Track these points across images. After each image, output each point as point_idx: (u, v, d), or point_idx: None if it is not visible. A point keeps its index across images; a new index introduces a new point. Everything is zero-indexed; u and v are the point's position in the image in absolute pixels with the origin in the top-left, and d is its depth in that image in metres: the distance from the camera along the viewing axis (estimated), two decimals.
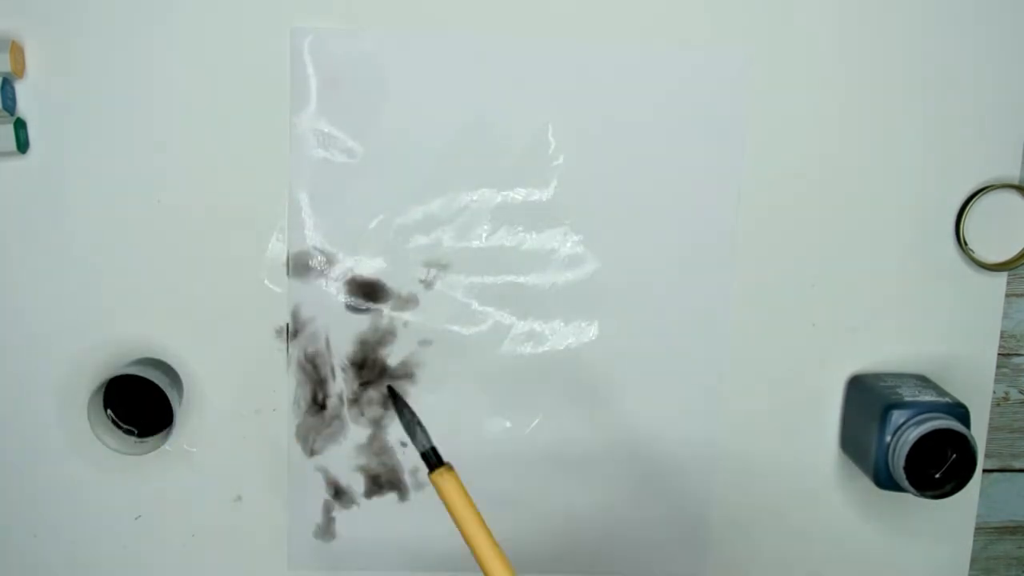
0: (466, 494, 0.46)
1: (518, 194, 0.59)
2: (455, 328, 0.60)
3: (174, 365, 0.59)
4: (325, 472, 0.61)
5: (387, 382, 0.53)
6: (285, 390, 0.60)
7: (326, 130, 0.57)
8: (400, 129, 0.58)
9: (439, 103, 0.58)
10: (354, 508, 0.62)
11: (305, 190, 0.58)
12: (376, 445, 0.61)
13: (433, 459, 0.46)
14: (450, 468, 0.47)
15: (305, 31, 0.56)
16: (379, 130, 0.58)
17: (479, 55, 0.57)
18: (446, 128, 0.58)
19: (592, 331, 0.61)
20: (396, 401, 0.48)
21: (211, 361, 0.60)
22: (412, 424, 0.47)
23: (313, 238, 0.58)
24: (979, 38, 0.59)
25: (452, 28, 0.57)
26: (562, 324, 0.61)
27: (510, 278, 0.60)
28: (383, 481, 0.62)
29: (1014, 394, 0.64)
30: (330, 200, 0.58)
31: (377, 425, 0.61)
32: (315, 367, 0.60)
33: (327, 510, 0.62)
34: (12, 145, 0.55)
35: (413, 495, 0.62)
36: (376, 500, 0.62)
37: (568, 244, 0.60)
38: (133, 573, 0.62)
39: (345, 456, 0.61)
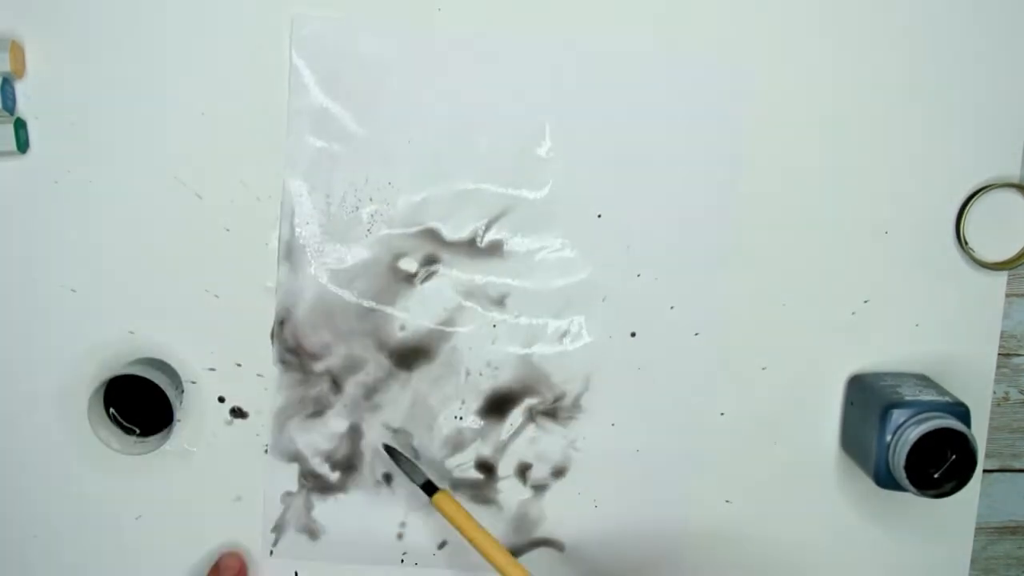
0: (463, 509, 0.57)
1: (513, 193, 0.59)
2: (443, 327, 0.60)
3: (174, 365, 0.59)
4: (305, 464, 0.61)
5: (382, 441, 0.60)
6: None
7: (323, 121, 0.57)
8: (397, 122, 0.58)
9: (437, 98, 0.57)
10: (340, 499, 0.61)
11: (301, 181, 0.58)
12: (359, 437, 0.61)
13: (431, 488, 0.57)
14: (446, 491, 0.57)
15: (305, 19, 0.56)
16: (376, 123, 0.57)
17: (478, 51, 0.57)
18: (443, 123, 0.58)
19: (585, 333, 0.61)
20: (393, 456, 0.59)
21: (211, 361, 0.60)
22: (409, 467, 0.58)
23: (306, 233, 0.58)
24: (979, 38, 0.59)
25: (453, 23, 0.57)
26: (553, 325, 0.61)
27: (502, 278, 0.60)
28: (365, 473, 0.61)
29: (1014, 394, 0.64)
30: (325, 193, 0.58)
31: (360, 417, 0.61)
32: (301, 359, 0.60)
33: (307, 502, 0.62)
34: (12, 145, 0.55)
35: (395, 487, 0.62)
36: (359, 492, 0.62)
37: (562, 245, 0.60)
38: (133, 573, 0.62)
39: (328, 447, 0.61)
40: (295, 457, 0.61)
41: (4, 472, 0.60)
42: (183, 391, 0.59)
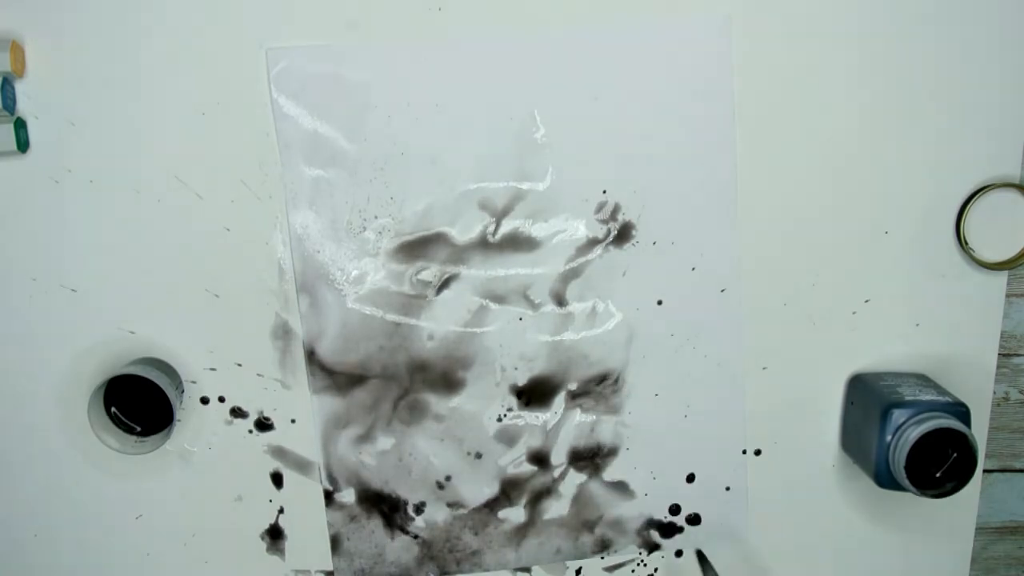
0: None
1: (516, 184, 0.59)
2: (471, 328, 0.60)
3: (174, 365, 0.59)
4: (360, 485, 0.61)
5: None
6: (285, 390, 0.60)
7: (315, 148, 0.57)
8: (387, 136, 0.57)
9: (422, 105, 0.57)
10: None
11: (306, 212, 0.58)
12: (408, 451, 0.61)
13: None
14: None
15: (279, 53, 0.56)
16: (367, 139, 0.57)
17: (457, 53, 0.57)
18: (432, 129, 0.57)
19: (612, 309, 0.60)
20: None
21: (211, 361, 0.60)
22: None
23: (319, 261, 0.58)
24: (979, 38, 0.59)
25: (424, 30, 0.56)
26: (580, 307, 0.60)
27: (520, 270, 0.60)
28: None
29: (1014, 394, 0.64)
30: (331, 219, 0.58)
31: (406, 432, 0.61)
32: (337, 385, 0.60)
33: (368, 525, 0.62)
34: (12, 145, 0.55)
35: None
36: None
37: (573, 226, 0.59)
38: (133, 573, 0.62)
39: (379, 465, 0.61)
40: (350, 481, 0.61)
41: (4, 472, 0.60)
42: (183, 391, 0.59)
